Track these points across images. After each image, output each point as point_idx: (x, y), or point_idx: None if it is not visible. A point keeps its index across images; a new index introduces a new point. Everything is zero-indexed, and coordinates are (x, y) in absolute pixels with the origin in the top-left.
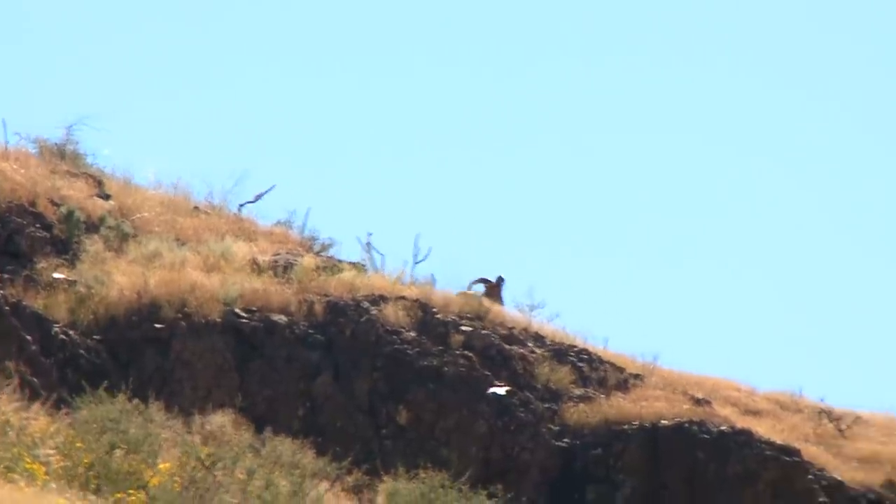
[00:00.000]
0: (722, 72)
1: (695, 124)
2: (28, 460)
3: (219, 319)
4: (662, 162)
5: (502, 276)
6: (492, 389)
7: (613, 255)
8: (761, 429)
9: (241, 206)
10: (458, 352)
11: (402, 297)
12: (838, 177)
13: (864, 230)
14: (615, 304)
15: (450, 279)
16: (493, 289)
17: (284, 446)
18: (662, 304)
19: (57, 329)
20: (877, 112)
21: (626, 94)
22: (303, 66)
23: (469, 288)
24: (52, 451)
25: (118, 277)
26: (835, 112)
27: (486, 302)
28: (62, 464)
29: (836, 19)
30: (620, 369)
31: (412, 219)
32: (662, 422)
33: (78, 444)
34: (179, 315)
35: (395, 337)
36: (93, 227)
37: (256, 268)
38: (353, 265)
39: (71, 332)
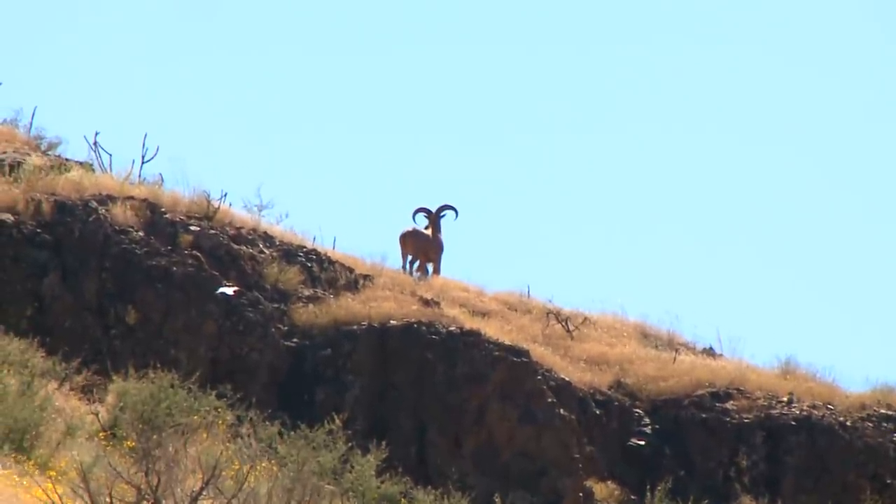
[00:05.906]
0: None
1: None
2: None
3: None
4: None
5: (450, 204)
6: (220, 289)
7: (342, 157)
8: (490, 329)
9: None
10: (186, 252)
11: (131, 197)
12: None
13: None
14: (343, 205)
15: (178, 179)
16: (433, 218)
17: (13, 346)
18: (389, 204)
19: None
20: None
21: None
22: None
23: (413, 218)
24: None
25: None
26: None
27: (215, 203)
28: None
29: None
30: (350, 269)
31: (141, 118)
32: (391, 322)
33: None
34: None
35: (123, 237)
36: None
37: None
38: (81, 164)
39: None
